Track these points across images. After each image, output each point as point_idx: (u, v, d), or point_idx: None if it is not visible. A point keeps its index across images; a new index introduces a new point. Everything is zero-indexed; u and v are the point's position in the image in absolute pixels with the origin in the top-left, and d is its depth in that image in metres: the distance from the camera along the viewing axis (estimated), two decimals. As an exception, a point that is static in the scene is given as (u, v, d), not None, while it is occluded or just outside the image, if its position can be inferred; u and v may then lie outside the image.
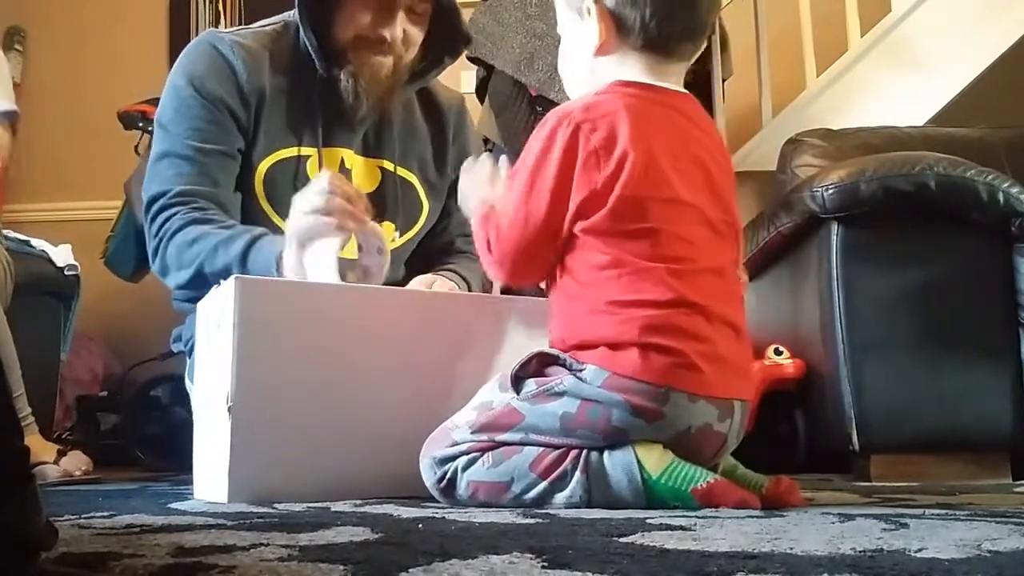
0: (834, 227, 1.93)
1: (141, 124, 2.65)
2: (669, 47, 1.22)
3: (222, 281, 1.32)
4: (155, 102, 2.67)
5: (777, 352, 2.13)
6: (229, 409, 1.23)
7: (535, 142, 1.21)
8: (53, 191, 3.52)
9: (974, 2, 3.04)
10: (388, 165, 1.74)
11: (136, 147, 2.70)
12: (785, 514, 1.05)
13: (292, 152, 1.65)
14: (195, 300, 1.50)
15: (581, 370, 1.15)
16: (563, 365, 1.18)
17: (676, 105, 1.24)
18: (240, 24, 2.93)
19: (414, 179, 1.77)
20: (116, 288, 2.83)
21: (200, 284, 1.48)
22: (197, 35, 1.78)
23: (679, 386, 1.13)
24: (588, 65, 1.26)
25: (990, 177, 1.88)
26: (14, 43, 3.57)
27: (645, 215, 1.15)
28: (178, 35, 3.54)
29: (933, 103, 3.01)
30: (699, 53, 1.27)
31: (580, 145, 1.16)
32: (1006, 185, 1.88)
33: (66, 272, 2.46)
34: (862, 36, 3.15)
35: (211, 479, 1.32)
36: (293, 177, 1.63)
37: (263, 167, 1.63)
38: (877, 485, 1.73)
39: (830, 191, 1.90)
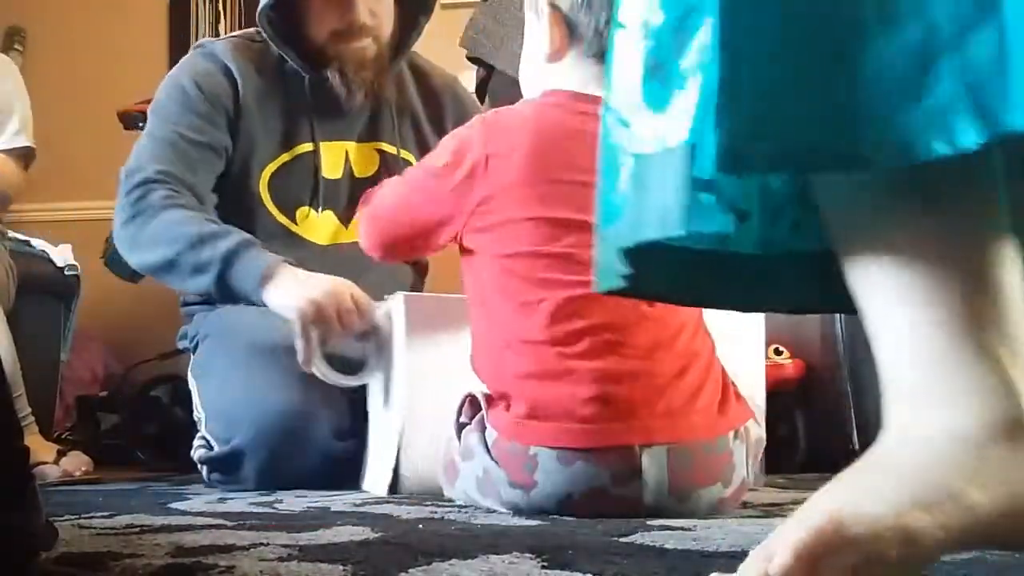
0: (834, 227, 1.93)
1: (141, 124, 2.62)
2: None
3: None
4: (155, 102, 2.70)
5: (777, 352, 2.13)
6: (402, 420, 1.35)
7: None
8: (53, 191, 3.50)
9: (974, 2, 3.04)
10: (387, 148, 1.75)
11: (136, 147, 2.69)
12: (785, 514, 1.05)
13: (293, 154, 1.68)
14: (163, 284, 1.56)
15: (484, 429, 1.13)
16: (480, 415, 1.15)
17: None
18: (241, 27, 2.93)
19: (412, 159, 1.75)
20: (116, 288, 2.81)
21: (168, 269, 1.51)
22: (197, 36, 1.80)
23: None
24: (539, 70, 1.15)
25: (990, 177, 1.88)
26: (14, 43, 3.55)
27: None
28: (178, 35, 3.52)
29: (933, 103, 3.01)
30: None
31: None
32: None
33: (66, 272, 2.45)
34: (862, 36, 3.14)
35: (378, 475, 1.43)
36: (299, 176, 1.67)
37: (266, 173, 1.66)
38: (877, 485, 1.73)
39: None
